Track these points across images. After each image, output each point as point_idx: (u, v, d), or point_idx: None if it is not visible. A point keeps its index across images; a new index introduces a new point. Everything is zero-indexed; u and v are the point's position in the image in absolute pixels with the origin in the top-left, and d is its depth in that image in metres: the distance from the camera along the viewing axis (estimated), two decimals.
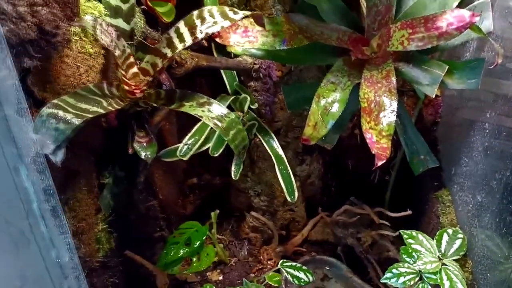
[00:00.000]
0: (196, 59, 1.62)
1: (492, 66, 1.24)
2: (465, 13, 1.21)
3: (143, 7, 1.53)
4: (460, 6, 1.33)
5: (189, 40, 1.21)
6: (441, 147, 1.92)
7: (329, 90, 1.32)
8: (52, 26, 1.09)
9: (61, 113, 1.08)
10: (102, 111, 1.18)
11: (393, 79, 1.28)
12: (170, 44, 1.24)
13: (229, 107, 1.67)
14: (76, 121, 1.08)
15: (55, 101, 1.11)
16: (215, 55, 1.77)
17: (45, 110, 1.08)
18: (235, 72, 1.81)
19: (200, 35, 1.19)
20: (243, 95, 1.70)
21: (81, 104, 1.16)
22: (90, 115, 1.13)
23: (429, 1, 1.36)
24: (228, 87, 1.77)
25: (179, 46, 1.22)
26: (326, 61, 1.47)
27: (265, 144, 1.80)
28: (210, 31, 1.19)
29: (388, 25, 1.38)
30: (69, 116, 1.08)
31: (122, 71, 1.26)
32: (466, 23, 1.21)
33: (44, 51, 1.09)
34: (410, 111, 1.81)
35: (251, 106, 1.72)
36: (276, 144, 1.82)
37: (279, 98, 1.79)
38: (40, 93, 1.16)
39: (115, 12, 1.31)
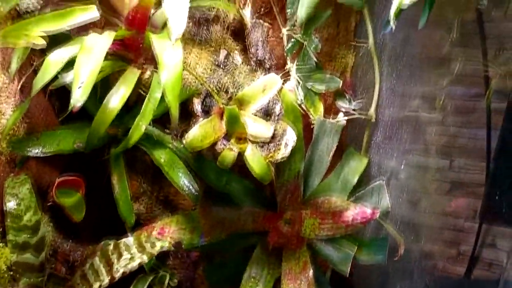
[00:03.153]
0: None
1: (396, 258, 1.36)
2: (367, 209, 1.32)
3: (50, 203, 1.47)
4: (358, 186, 1.44)
5: (105, 280, 1.19)
6: None
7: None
8: None
9: None
10: None
11: (311, 272, 1.35)
12: (85, 283, 1.21)
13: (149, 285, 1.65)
14: None
15: None
16: None
17: None
18: None
19: (117, 275, 1.18)
20: (161, 273, 1.69)
21: None
22: None
23: (333, 181, 1.45)
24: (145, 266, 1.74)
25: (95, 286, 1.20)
26: (247, 243, 1.51)
27: None
28: (128, 269, 1.18)
29: (299, 203, 1.45)
30: None
31: None
32: (369, 218, 1.32)
33: None
34: None
35: (171, 284, 1.72)
36: None
37: (199, 274, 1.80)
38: None
39: (23, 247, 1.25)
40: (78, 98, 1.00)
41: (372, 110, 1.46)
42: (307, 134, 1.44)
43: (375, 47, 1.43)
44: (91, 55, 1.02)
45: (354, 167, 1.48)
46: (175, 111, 1.05)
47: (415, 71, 1.57)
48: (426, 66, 1.58)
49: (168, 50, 1.03)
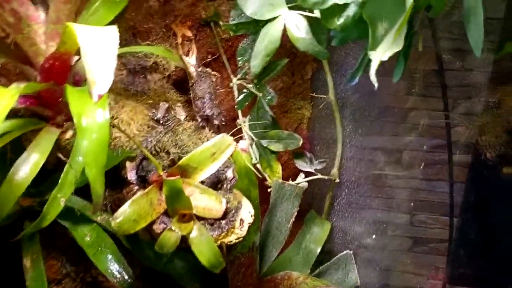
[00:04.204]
0: None
1: None
2: None
3: None
4: (322, 254, 1.27)
5: None
6: None
7: None
8: None
9: None
10: None
11: None
12: None
13: None
14: None
15: None
16: None
17: None
18: None
19: None
20: None
21: None
22: None
23: (294, 253, 1.26)
24: None
25: None
26: None
27: None
28: None
29: (254, 280, 1.24)
30: None
31: None
32: None
33: None
34: None
35: None
36: None
37: None
38: None
39: None
40: None
41: (335, 169, 1.29)
42: (264, 199, 1.25)
43: (336, 100, 1.28)
44: None
45: (317, 235, 1.30)
46: (99, 189, 0.82)
47: (379, 124, 1.47)
48: (390, 118, 1.48)
49: (89, 110, 0.81)
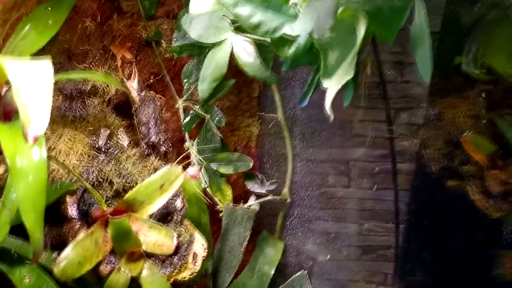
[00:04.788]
0: None
1: None
2: None
3: None
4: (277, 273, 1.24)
5: None
6: None
7: None
8: None
9: None
10: None
11: None
12: None
13: None
14: None
15: None
16: None
17: None
18: None
19: None
20: None
21: None
22: None
23: (248, 277, 1.23)
24: None
25: None
26: None
27: None
28: None
29: None
30: None
31: None
32: None
33: None
34: None
35: None
36: None
37: None
38: None
39: None
40: None
41: (286, 189, 1.27)
42: (215, 223, 1.21)
43: (285, 119, 1.26)
44: None
45: (270, 256, 1.28)
46: (38, 234, 0.74)
47: (327, 137, 1.47)
48: (338, 131, 1.48)
49: (24, 149, 0.73)
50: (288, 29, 0.67)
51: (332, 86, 0.72)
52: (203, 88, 0.98)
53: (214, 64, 0.94)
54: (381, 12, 0.64)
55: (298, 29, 0.66)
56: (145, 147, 1.09)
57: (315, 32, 0.61)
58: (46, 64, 0.72)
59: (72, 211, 0.97)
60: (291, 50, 0.76)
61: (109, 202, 1.06)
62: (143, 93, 1.09)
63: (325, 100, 0.72)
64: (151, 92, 1.12)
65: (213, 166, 1.16)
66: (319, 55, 0.75)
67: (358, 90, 1.46)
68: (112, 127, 1.12)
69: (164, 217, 0.99)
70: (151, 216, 0.95)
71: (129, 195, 0.91)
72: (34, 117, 0.68)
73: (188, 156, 1.17)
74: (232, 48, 0.92)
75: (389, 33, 0.65)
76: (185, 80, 1.10)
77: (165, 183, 0.92)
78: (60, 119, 1.09)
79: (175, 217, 0.98)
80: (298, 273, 1.25)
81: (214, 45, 0.95)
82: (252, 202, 1.21)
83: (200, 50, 1.03)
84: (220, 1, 0.70)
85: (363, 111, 1.51)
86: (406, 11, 0.66)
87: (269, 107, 1.37)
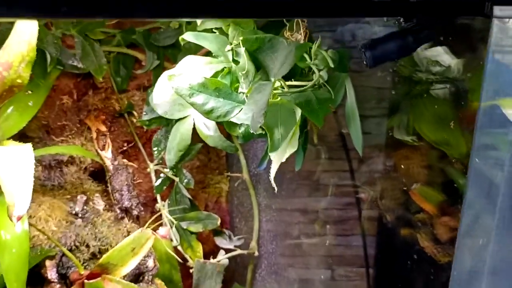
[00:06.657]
0: None
1: None
2: None
3: None
4: None
5: None
6: None
7: None
8: None
9: None
10: None
11: None
12: None
13: None
14: None
15: None
16: None
17: None
18: None
19: None
20: None
21: None
22: None
23: None
24: None
25: None
26: None
27: None
28: None
29: None
30: None
31: None
32: None
33: None
34: None
35: None
36: None
37: None
38: None
39: None
40: None
41: (253, 243, 1.37)
42: (187, 279, 1.29)
43: (250, 178, 1.37)
44: None
45: None
46: None
47: (293, 188, 1.57)
48: (304, 181, 1.58)
49: (8, 225, 0.82)
50: (235, 118, 0.79)
51: (275, 159, 0.83)
52: (170, 157, 1.09)
53: (179, 137, 1.05)
54: (310, 103, 0.76)
55: (243, 118, 0.78)
56: (119, 211, 1.18)
57: (251, 127, 0.72)
58: (27, 150, 0.83)
59: (52, 274, 1.05)
60: (241, 130, 0.88)
61: (86, 264, 1.14)
62: (116, 162, 1.19)
63: (270, 172, 0.83)
64: (124, 160, 1.23)
65: (184, 224, 1.26)
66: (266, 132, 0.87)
67: (322, 142, 1.57)
68: (88, 193, 1.21)
69: (137, 277, 1.07)
70: (124, 277, 1.03)
71: (103, 259, 1.00)
72: (18, 200, 0.78)
73: (160, 216, 1.26)
74: (194, 123, 1.03)
75: (317, 120, 0.77)
76: (154, 148, 1.21)
77: (136, 246, 1.01)
78: (40, 188, 1.19)
79: (146, 277, 1.06)
80: None
81: (179, 119, 1.06)
82: (221, 257, 1.30)
83: (167, 121, 1.15)
84: (177, 92, 0.82)
85: (327, 162, 1.62)
86: (332, 101, 0.79)
87: (236, 165, 1.48)
